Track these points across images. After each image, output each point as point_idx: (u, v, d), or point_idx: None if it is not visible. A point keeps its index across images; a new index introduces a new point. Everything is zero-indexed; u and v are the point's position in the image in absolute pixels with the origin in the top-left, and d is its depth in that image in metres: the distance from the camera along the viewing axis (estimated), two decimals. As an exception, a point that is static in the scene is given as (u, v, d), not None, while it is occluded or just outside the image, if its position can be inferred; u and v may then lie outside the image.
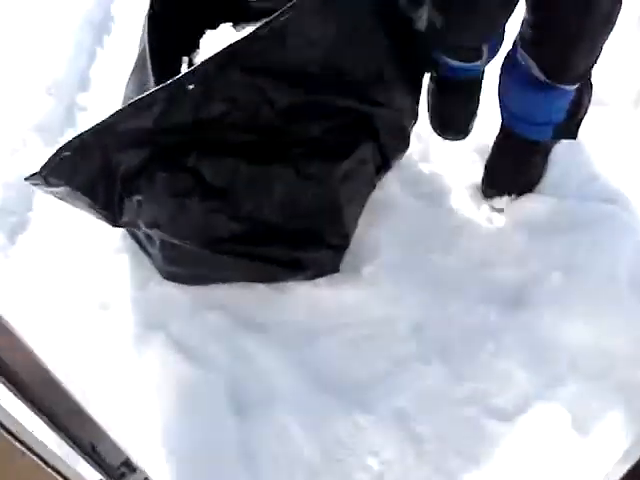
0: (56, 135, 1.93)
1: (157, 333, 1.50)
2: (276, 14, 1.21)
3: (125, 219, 1.45)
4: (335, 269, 1.49)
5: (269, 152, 1.39)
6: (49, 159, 1.28)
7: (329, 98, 1.32)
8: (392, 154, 1.50)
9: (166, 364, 1.46)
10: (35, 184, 1.32)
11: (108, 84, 2.03)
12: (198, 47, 1.55)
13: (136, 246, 1.61)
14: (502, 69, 1.54)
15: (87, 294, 1.57)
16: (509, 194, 1.62)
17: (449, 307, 1.49)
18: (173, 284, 1.56)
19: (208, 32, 1.54)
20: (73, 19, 2.20)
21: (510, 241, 1.56)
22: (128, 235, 1.62)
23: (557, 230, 1.55)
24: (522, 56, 1.44)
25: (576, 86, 1.46)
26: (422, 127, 1.68)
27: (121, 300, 1.56)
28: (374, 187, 1.51)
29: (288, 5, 1.21)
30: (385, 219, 1.58)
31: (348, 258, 1.52)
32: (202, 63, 1.24)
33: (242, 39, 1.22)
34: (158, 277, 1.57)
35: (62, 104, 2.00)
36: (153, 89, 1.25)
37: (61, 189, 1.34)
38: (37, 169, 1.29)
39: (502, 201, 1.62)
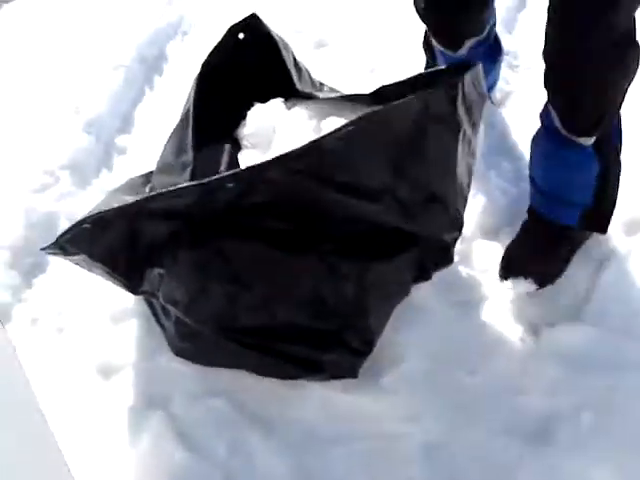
0: (90, 176, 1.89)
1: (156, 412, 1.41)
2: (334, 130, 1.18)
3: (144, 289, 1.39)
4: (353, 374, 1.40)
5: (301, 243, 1.32)
6: (68, 229, 1.22)
7: (372, 209, 1.24)
8: (433, 267, 1.41)
9: (161, 448, 1.38)
10: (52, 253, 1.26)
11: (151, 129, 1.98)
12: (244, 118, 1.48)
13: (149, 312, 1.53)
14: (532, 142, 1.60)
15: (91, 357, 1.50)
16: (525, 277, 1.54)
17: (467, 433, 1.39)
18: (181, 360, 1.48)
19: (257, 105, 1.47)
20: (125, 53, 2.16)
21: (542, 369, 1.46)
22: (143, 300, 1.55)
23: (595, 365, 1.45)
24: (547, 108, 1.49)
25: (592, 140, 1.47)
26: (466, 228, 1.60)
27: (124, 369, 1.48)
28: (407, 295, 1.42)
29: (345, 124, 1.19)
30: (413, 325, 1.49)
31: (368, 363, 1.42)
32: (247, 169, 1.19)
33: (294, 152, 1.17)
34: (167, 350, 1.49)
35: (100, 143, 1.96)
36: (189, 184, 1.21)
37: (79, 257, 1.28)
38: (54, 238, 1.23)
39: (519, 284, 1.54)
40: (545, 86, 1.46)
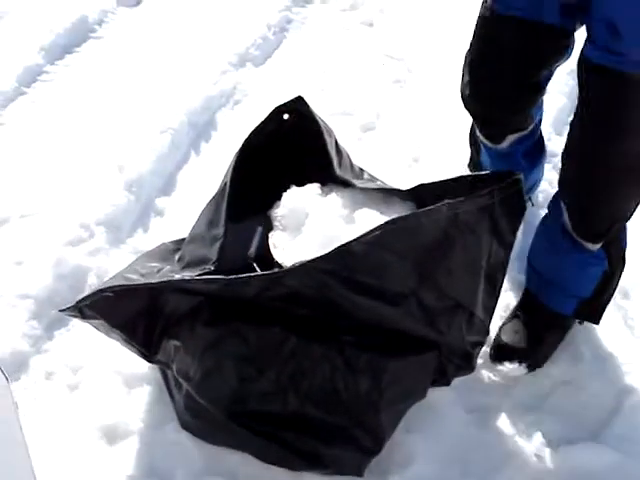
0: (124, 234, 1.90)
1: (156, 485, 1.39)
2: (363, 233, 1.20)
3: (159, 359, 1.39)
4: (359, 473, 1.36)
5: (319, 331, 1.31)
6: (89, 295, 1.23)
7: (394, 312, 1.23)
8: (453, 372, 1.39)
9: (156, 525, 1.35)
10: (70, 315, 1.27)
11: (191, 193, 2.00)
12: (279, 199, 1.49)
13: (162, 381, 1.52)
14: (537, 229, 1.61)
15: (99, 419, 1.49)
16: (519, 362, 1.54)
17: None
18: (188, 434, 1.46)
19: (293, 187, 1.48)
20: (175, 117, 2.20)
21: (557, 489, 1.40)
22: (158, 368, 1.54)
23: (614, 491, 1.39)
24: (556, 201, 1.52)
25: (599, 245, 1.47)
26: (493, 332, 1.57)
27: (130, 436, 1.47)
28: (424, 398, 1.38)
29: (374, 227, 1.21)
30: (426, 427, 1.45)
31: (375, 461, 1.39)
32: (269, 274, 1.23)
33: (322, 257, 1.21)
34: (175, 421, 1.47)
35: (139, 203, 1.98)
36: (215, 277, 1.24)
37: (97, 322, 1.28)
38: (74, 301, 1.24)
39: (514, 368, 1.54)
40: (559, 186, 1.50)
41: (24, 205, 1.93)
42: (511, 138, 1.65)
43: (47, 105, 2.30)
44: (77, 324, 1.69)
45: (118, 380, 1.56)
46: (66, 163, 2.06)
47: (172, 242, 1.67)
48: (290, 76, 2.45)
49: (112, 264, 1.77)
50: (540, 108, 1.72)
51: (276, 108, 1.54)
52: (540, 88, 1.52)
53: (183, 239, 1.61)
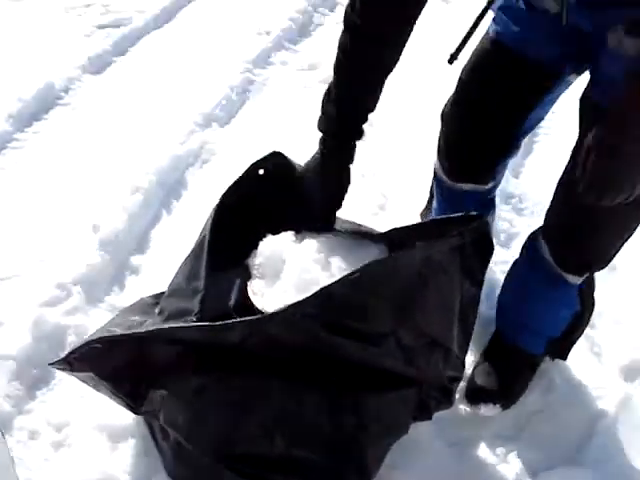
0: (101, 292, 1.93)
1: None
2: (342, 277, 1.25)
3: (146, 409, 1.41)
4: (349, 510, 1.39)
5: (302, 374, 1.35)
6: (77, 347, 1.26)
7: (374, 352, 1.29)
8: (434, 407, 1.44)
9: None
10: (60, 369, 1.29)
11: (165, 251, 2.04)
12: (256, 247, 1.54)
13: (148, 433, 1.53)
14: (509, 271, 1.66)
15: (85, 477, 1.49)
16: (494, 403, 1.59)
17: None
18: (176, 485, 1.47)
19: (269, 236, 1.53)
20: (145, 177, 2.25)
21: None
22: (143, 420, 1.56)
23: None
24: (532, 242, 1.56)
25: (581, 279, 1.51)
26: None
27: (118, 490, 1.47)
28: (406, 433, 1.42)
29: (352, 271, 1.26)
30: (411, 463, 1.49)
31: (362, 499, 1.42)
32: (250, 321, 1.26)
33: (305, 300, 1.25)
34: (163, 473, 1.48)
35: (115, 261, 2.01)
36: (198, 324, 1.28)
37: (85, 374, 1.31)
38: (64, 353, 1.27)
39: (489, 409, 1.59)
40: (545, 223, 1.53)
41: (1, 268, 1.95)
42: (468, 186, 1.68)
43: (18, 171, 2.34)
44: (59, 382, 1.70)
45: (103, 435, 1.57)
46: (41, 225, 2.09)
47: (150, 297, 1.70)
48: (255, 134, 2.53)
49: (90, 322, 1.79)
50: (504, 169, 1.73)
51: (253, 163, 1.59)
52: (515, 140, 1.58)
53: (161, 293, 1.64)
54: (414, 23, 1.35)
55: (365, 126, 1.46)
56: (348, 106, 1.42)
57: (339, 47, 1.39)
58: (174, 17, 3.33)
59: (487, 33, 1.53)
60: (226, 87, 2.77)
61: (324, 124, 1.47)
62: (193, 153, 2.44)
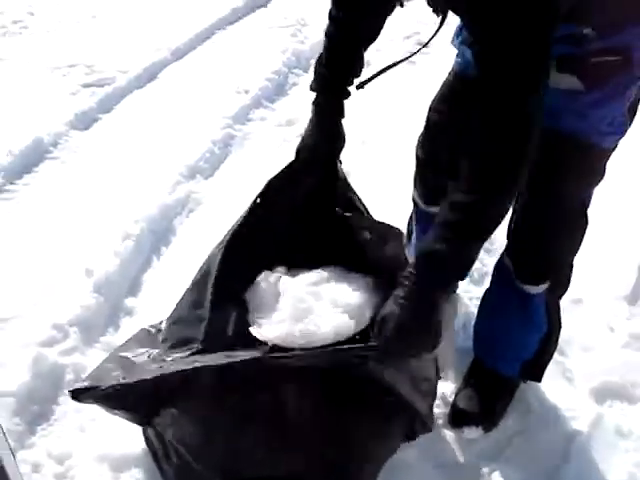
0: (97, 334, 2.00)
1: None
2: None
3: (155, 423, 1.48)
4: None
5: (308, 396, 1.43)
6: (88, 388, 1.36)
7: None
8: (420, 429, 1.55)
9: None
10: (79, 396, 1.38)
11: (157, 293, 2.13)
12: (253, 282, 1.64)
13: (151, 460, 1.59)
14: (482, 298, 1.80)
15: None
16: (476, 425, 1.69)
17: None
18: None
19: (264, 271, 1.64)
20: (136, 225, 2.35)
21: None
22: (146, 445, 1.61)
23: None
24: (504, 258, 1.67)
25: (538, 289, 1.62)
26: (448, 388, 1.75)
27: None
28: (395, 452, 1.52)
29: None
30: (398, 486, 1.57)
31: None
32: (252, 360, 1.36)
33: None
34: (166, 498, 1.54)
35: (108, 303, 2.09)
36: (205, 364, 1.36)
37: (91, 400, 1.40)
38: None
39: (472, 431, 1.69)
40: (507, 236, 1.66)
41: (0, 310, 2.02)
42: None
43: (10, 222, 2.42)
44: (59, 417, 1.77)
45: (105, 465, 1.63)
46: (36, 270, 2.18)
47: (150, 326, 1.77)
48: (237, 185, 2.65)
49: (87, 361, 1.87)
50: None
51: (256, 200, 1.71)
52: None
53: (160, 323, 1.72)
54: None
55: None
56: (337, 66, 1.61)
57: (328, 16, 1.61)
58: (156, 77, 3.49)
59: (452, 67, 1.69)
60: (209, 141, 2.91)
61: (316, 83, 1.64)
62: (180, 202, 2.55)
